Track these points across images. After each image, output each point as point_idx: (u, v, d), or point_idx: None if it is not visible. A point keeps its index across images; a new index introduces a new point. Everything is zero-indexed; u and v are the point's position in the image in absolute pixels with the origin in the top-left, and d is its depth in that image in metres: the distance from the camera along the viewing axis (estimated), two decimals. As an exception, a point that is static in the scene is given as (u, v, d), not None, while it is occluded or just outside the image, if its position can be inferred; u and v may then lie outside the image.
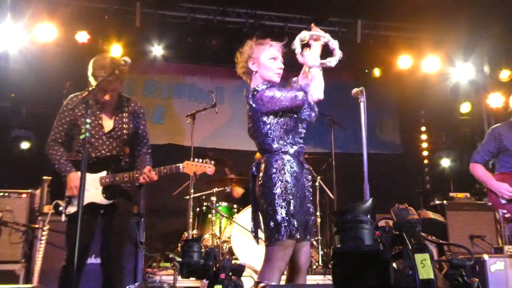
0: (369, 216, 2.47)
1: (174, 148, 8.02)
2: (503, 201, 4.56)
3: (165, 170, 3.81)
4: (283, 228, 3.07)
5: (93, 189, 3.76)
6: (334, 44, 3.53)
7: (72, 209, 3.72)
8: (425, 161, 9.39)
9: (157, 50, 7.84)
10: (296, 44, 3.43)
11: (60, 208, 3.75)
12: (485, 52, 8.16)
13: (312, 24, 3.57)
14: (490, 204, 4.72)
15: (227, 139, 8.53)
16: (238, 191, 7.20)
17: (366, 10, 7.68)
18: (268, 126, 3.29)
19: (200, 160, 3.92)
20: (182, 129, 8.18)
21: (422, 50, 8.21)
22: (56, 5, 7.18)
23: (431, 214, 6.41)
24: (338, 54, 3.51)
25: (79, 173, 3.62)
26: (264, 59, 3.43)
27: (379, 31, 8.13)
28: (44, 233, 4.06)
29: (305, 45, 3.51)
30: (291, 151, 3.29)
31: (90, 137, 3.74)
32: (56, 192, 3.85)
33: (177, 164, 3.85)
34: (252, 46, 3.47)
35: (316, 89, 3.28)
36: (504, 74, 7.97)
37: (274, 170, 3.20)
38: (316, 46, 3.49)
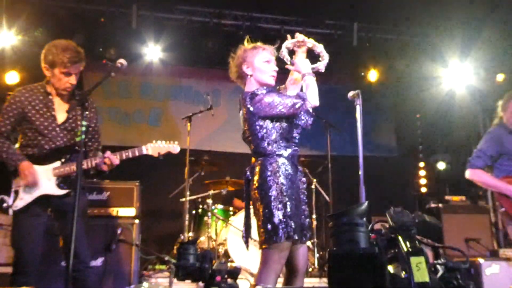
0: (364, 219, 2.48)
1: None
2: None
3: (126, 154, 3.70)
4: (280, 230, 3.07)
5: (45, 180, 3.63)
6: (319, 48, 3.55)
7: (20, 203, 3.58)
8: (421, 164, 9.41)
9: (153, 52, 7.83)
10: (284, 53, 3.47)
11: (5, 205, 3.59)
12: (480, 55, 8.19)
13: (296, 34, 3.59)
14: (503, 209, 4.54)
15: (223, 141, 8.52)
16: (238, 203, 7.20)
17: (363, 13, 7.70)
18: (264, 130, 3.31)
19: (164, 142, 3.87)
20: (178, 132, 8.17)
21: (418, 53, 8.24)
22: (52, 7, 7.17)
23: (427, 217, 6.42)
24: (326, 57, 3.53)
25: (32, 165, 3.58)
26: (258, 62, 3.45)
27: (376, 34, 8.16)
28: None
29: (292, 53, 3.55)
30: (285, 154, 3.31)
31: (43, 128, 3.68)
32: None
33: (140, 147, 3.77)
34: (246, 50, 3.50)
35: (312, 96, 3.33)
36: (499, 78, 8.00)
37: (269, 173, 3.20)
38: (300, 52, 3.56)
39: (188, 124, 6.31)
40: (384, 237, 2.41)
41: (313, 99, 3.31)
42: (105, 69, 3.78)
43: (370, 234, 2.37)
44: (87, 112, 3.26)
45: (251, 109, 3.32)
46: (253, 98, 3.33)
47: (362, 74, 8.76)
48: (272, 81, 3.46)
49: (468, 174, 4.65)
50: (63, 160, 3.70)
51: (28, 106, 3.71)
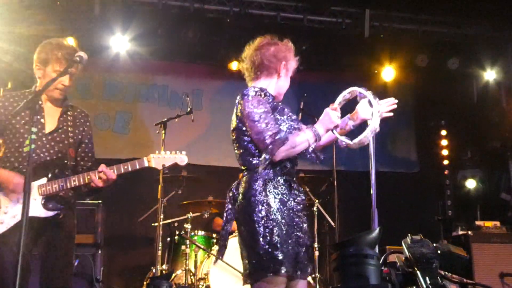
0: (376, 249, 2.48)
1: (141, 164, 8.00)
2: None
3: (125, 167, 3.75)
4: (265, 263, 3.06)
5: (30, 200, 3.56)
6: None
7: (1, 227, 3.58)
8: (447, 182, 9.44)
9: (121, 43, 7.82)
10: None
11: None
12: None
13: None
14: None
15: (206, 153, 8.52)
16: (220, 222, 7.20)
17: (376, -2, 7.77)
18: (250, 139, 3.32)
19: (169, 152, 3.93)
20: (150, 141, 8.17)
21: (443, 47, 8.28)
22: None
23: (452, 247, 6.43)
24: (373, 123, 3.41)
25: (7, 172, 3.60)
26: (291, 69, 3.55)
27: (391, 24, 8.19)
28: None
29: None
30: (276, 168, 3.31)
31: (27, 137, 3.71)
32: None
33: (141, 159, 3.82)
34: (291, 49, 3.57)
35: (289, 146, 3.24)
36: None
37: (253, 192, 3.20)
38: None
39: (163, 131, 6.29)
40: (399, 271, 2.42)
41: (285, 150, 3.23)
42: (61, 63, 3.82)
43: (382, 267, 2.38)
44: (38, 117, 3.27)
45: (239, 108, 3.35)
46: (248, 95, 3.34)
47: (376, 71, 8.80)
48: (281, 97, 3.53)
49: None
50: (49, 175, 3.73)
51: (12, 113, 3.77)
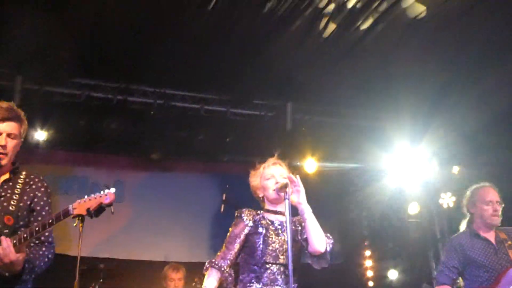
0: None
1: (57, 259, 7.68)
2: None
3: (50, 221, 3.47)
4: None
5: None
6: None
7: None
8: (369, 273, 9.45)
9: (40, 134, 7.67)
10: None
11: None
12: (433, 144, 8.56)
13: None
14: None
15: (126, 246, 8.29)
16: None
17: (298, 91, 7.92)
18: None
19: (93, 194, 3.56)
20: (68, 234, 7.87)
21: (363, 140, 8.48)
22: None
23: None
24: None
25: None
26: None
27: (313, 116, 8.38)
28: None
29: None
30: None
31: None
32: None
33: (65, 208, 3.52)
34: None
35: None
36: (455, 170, 8.32)
37: None
38: None
39: (80, 224, 6.10)
40: None
41: None
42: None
43: None
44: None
45: None
46: None
47: (298, 163, 8.92)
48: None
49: None
50: None
51: None
